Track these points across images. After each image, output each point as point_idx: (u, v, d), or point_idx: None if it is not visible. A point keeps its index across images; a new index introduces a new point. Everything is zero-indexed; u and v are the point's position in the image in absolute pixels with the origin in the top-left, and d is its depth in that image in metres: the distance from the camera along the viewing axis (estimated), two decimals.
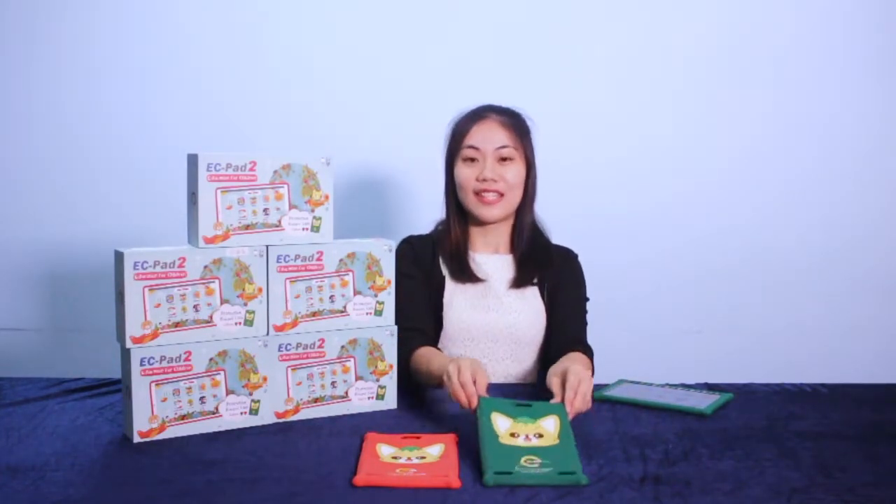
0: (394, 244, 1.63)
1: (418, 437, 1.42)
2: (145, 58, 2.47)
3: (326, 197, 1.56)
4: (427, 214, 1.94)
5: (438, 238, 1.88)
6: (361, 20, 2.48)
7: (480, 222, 1.85)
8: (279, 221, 1.52)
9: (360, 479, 1.24)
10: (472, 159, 1.81)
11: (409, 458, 1.33)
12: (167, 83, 2.47)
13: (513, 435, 1.35)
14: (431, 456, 1.34)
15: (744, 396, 1.71)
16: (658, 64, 2.52)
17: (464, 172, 1.82)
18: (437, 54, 2.48)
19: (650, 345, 2.53)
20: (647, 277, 2.55)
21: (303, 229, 1.55)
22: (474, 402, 1.41)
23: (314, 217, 1.55)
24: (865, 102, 2.54)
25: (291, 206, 1.53)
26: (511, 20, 2.49)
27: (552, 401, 1.44)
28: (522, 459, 1.29)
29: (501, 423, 1.37)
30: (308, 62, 2.49)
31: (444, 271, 1.85)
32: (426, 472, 1.27)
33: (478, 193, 1.80)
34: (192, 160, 1.47)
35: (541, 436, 1.36)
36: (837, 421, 1.56)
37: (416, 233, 1.93)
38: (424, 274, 1.84)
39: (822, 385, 1.79)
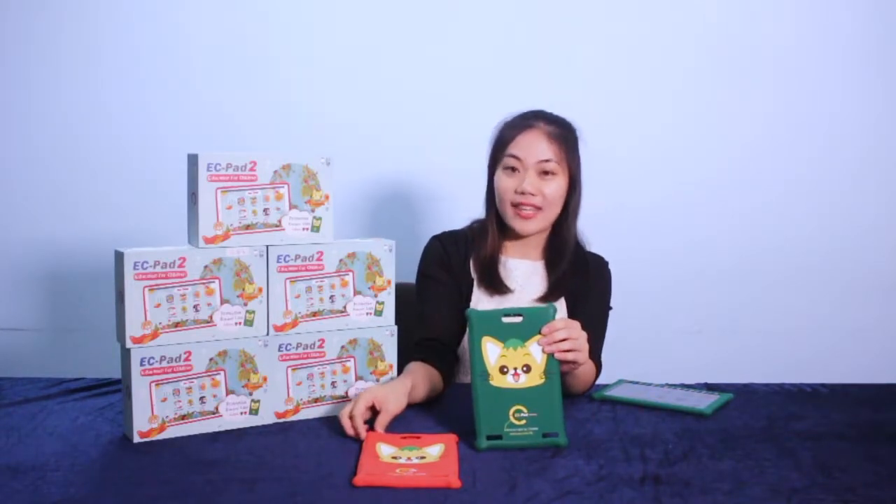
0: (394, 244, 1.62)
1: (418, 437, 1.42)
2: (145, 58, 2.47)
3: (326, 197, 1.56)
4: (426, 214, 1.94)
5: (473, 239, 1.84)
6: (362, 20, 2.48)
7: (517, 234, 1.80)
8: (279, 221, 1.52)
9: (360, 479, 1.24)
10: (514, 169, 1.76)
11: (409, 458, 1.33)
12: (167, 83, 2.47)
13: (502, 371, 1.41)
14: (431, 456, 1.34)
15: (744, 396, 1.71)
16: (656, 64, 2.52)
17: (503, 182, 1.76)
18: (438, 55, 2.48)
19: (650, 345, 2.53)
20: (646, 277, 2.55)
21: (303, 229, 1.55)
22: (362, 435, 1.42)
23: (314, 217, 1.55)
24: (866, 102, 2.54)
25: (291, 206, 1.53)
26: (511, 20, 2.49)
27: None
28: (511, 413, 1.40)
29: (492, 352, 1.42)
30: (308, 62, 2.48)
31: (474, 275, 1.81)
32: (426, 472, 1.27)
33: (515, 206, 1.75)
34: (192, 160, 1.47)
35: (528, 369, 1.41)
36: (837, 421, 1.56)
37: (415, 233, 1.92)
38: (452, 276, 1.81)
39: (822, 385, 1.79)
